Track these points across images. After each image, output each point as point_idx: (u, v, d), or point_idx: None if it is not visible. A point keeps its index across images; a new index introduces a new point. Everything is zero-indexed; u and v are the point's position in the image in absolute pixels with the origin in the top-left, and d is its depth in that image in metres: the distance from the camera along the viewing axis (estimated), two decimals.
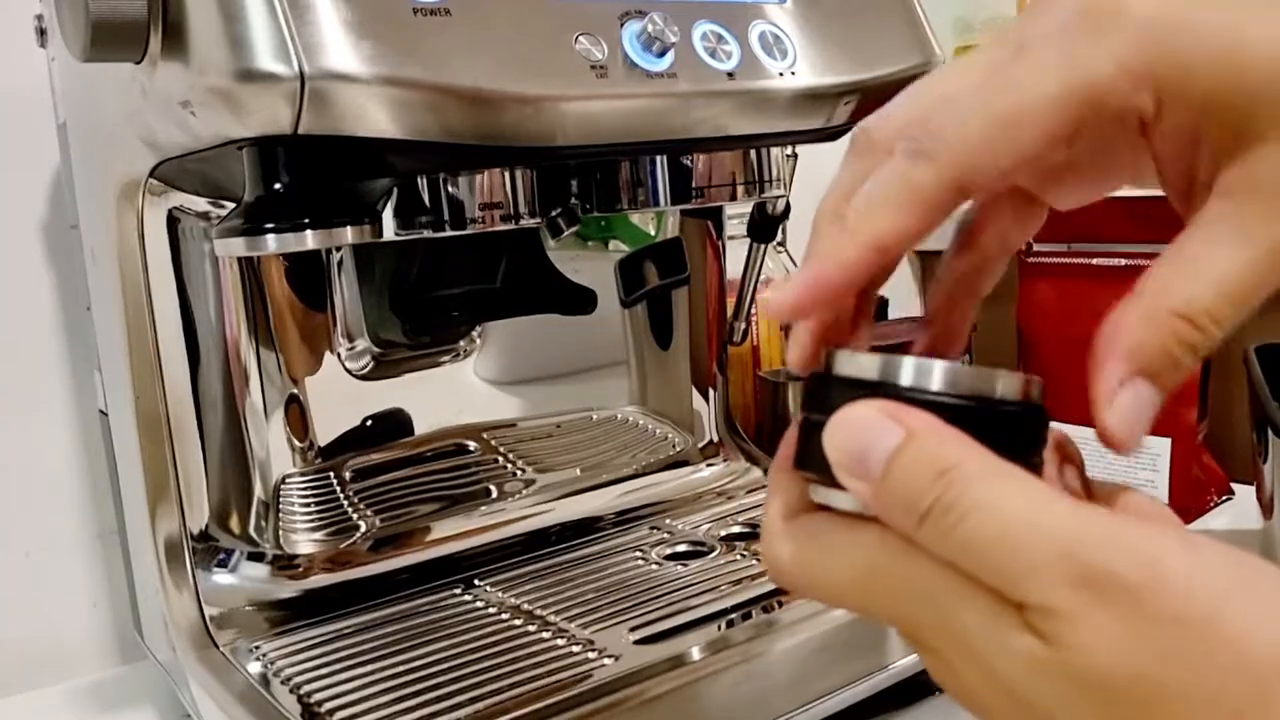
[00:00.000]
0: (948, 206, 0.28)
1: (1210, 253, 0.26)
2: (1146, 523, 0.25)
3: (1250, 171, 0.26)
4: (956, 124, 0.27)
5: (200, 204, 0.56)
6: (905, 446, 0.26)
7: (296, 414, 0.61)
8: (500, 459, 0.67)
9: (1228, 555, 0.25)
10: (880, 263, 0.28)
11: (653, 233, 0.72)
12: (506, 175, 0.50)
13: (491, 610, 0.58)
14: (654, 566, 0.62)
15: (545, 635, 0.54)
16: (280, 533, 0.61)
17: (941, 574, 0.26)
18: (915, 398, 0.27)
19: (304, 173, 0.44)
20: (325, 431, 0.62)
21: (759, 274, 0.76)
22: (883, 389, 0.27)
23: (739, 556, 0.62)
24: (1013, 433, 0.27)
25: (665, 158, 0.53)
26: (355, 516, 0.63)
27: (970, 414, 0.26)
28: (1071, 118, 0.26)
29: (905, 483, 0.26)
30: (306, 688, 0.51)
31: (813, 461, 0.28)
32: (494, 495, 0.67)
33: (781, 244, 0.92)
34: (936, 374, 0.27)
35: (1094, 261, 0.87)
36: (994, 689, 0.25)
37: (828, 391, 0.28)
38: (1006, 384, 0.27)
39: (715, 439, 0.77)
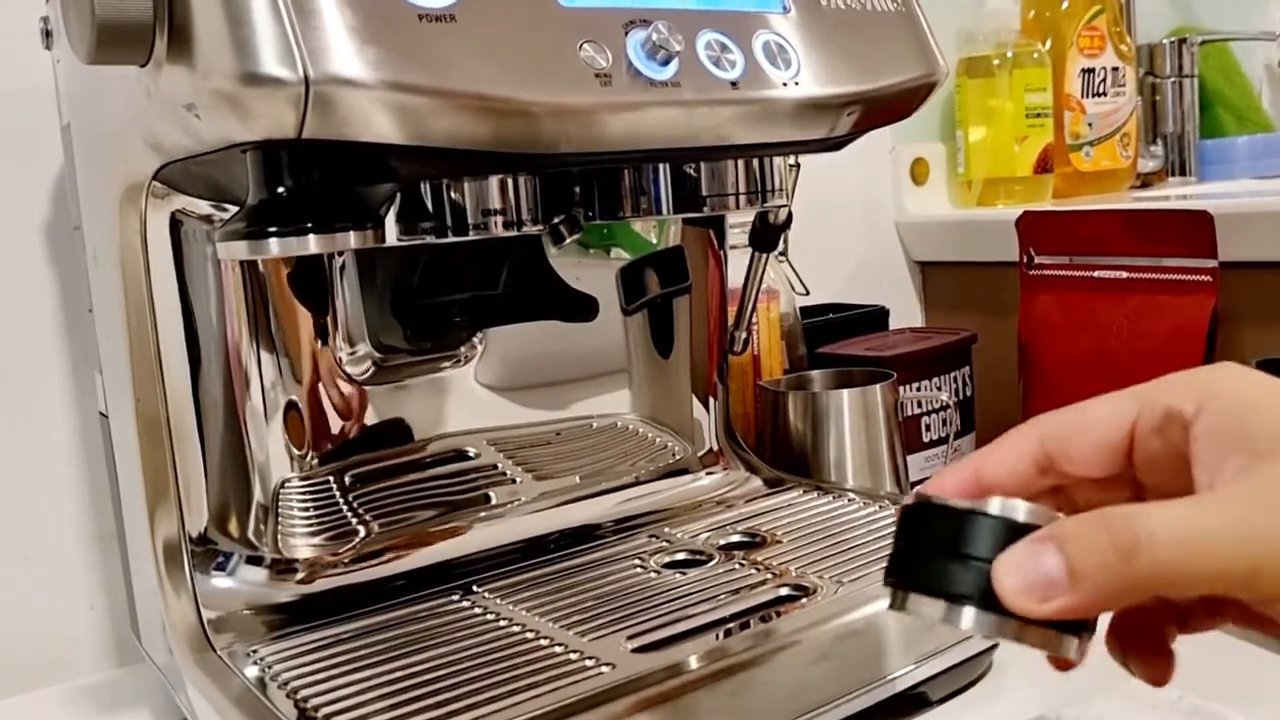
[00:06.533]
0: (1033, 460, 0.36)
1: (1189, 502, 0.32)
2: None
3: (1255, 474, 0.31)
4: (1058, 412, 0.36)
5: (203, 207, 0.56)
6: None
7: (296, 418, 0.61)
8: (500, 465, 0.67)
9: None
10: (976, 484, 0.36)
11: (654, 241, 0.72)
12: (509, 182, 0.50)
13: (489, 617, 0.58)
14: (652, 575, 0.62)
15: (543, 643, 0.54)
16: (279, 537, 0.61)
17: None
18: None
19: (307, 177, 0.44)
20: (325, 436, 0.62)
21: (760, 283, 0.76)
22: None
23: (738, 565, 0.62)
24: None
25: (668, 166, 0.53)
26: (354, 521, 0.63)
27: None
28: (1133, 407, 0.35)
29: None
30: (303, 692, 0.51)
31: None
32: (493, 501, 0.67)
33: (783, 254, 0.92)
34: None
35: (1095, 274, 0.87)
36: None
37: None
38: None
39: (715, 448, 0.77)
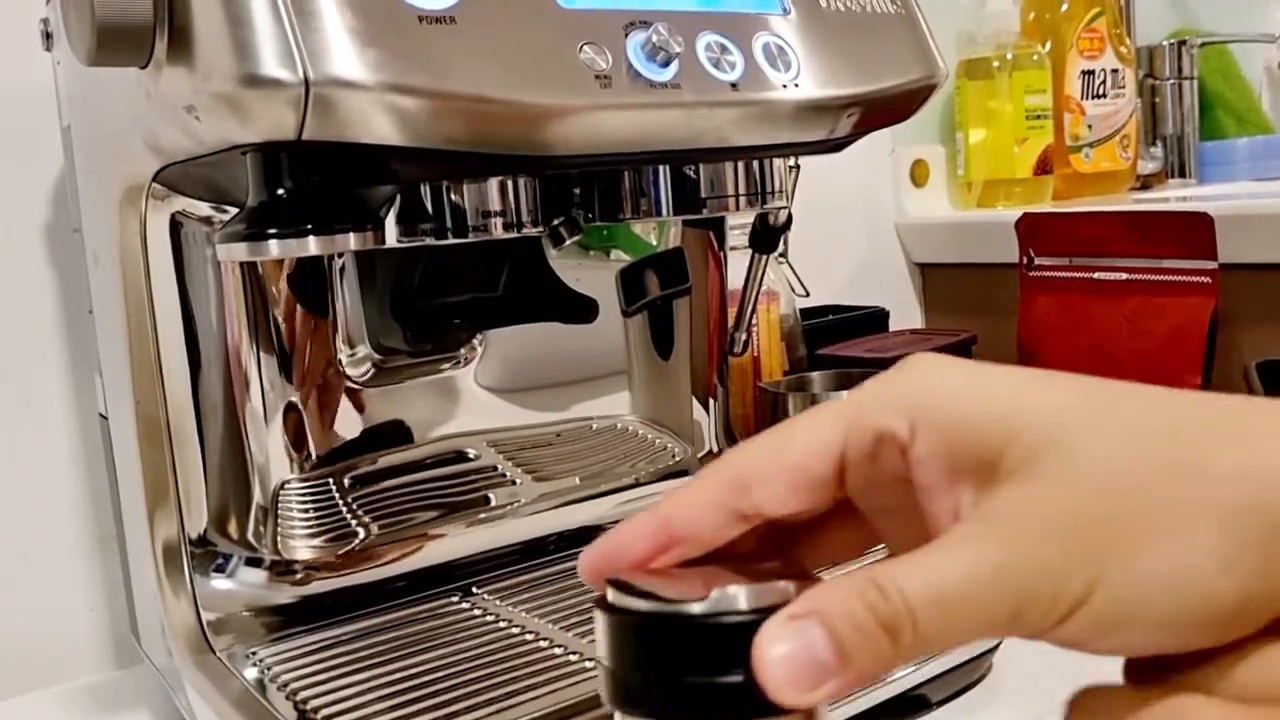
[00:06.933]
0: (729, 501, 0.31)
1: (932, 553, 0.28)
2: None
3: (990, 503, 0.28)
4: (754, 441, 0.32)
5: (203, 209, 0.56)
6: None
7: (296, 420, 0.61)
8: (500, 467, 0.67)
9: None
10: (668, 539, 0.31)
11: (654, 242, 0.72)
12: (509, 183, 0.50)
13: (489, 618, 0.58)
14: None
15: (542, 644, 0.54)
16: (279, 538, 0.61)
17: None
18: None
19: (307, 178, 0.44)
20: (325, 438, 0.62)
21: (760, 285, 0.76)
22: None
23: None
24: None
25: (668, 168, 0.53)
26: (354, 523, 0.63)
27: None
28: (837, 436, 0.31)
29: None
30: (303, 694, 0.51)
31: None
32: (493, 503, 0.67)
33: (783, 255, 0.92)
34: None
35: (1095, 276, 0.87)
36: None
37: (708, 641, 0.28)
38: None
39: (715, 449, 0.77)
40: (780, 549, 0.34)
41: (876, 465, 0.31)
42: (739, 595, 0.27)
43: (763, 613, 0.27)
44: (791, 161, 0.60)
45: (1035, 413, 0.29)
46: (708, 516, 0.31)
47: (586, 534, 0.69)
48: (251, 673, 0.54)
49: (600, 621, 0.29)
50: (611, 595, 0.29)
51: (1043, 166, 1.16)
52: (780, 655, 0.26)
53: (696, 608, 0.27)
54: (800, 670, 0.26)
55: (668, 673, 0.28)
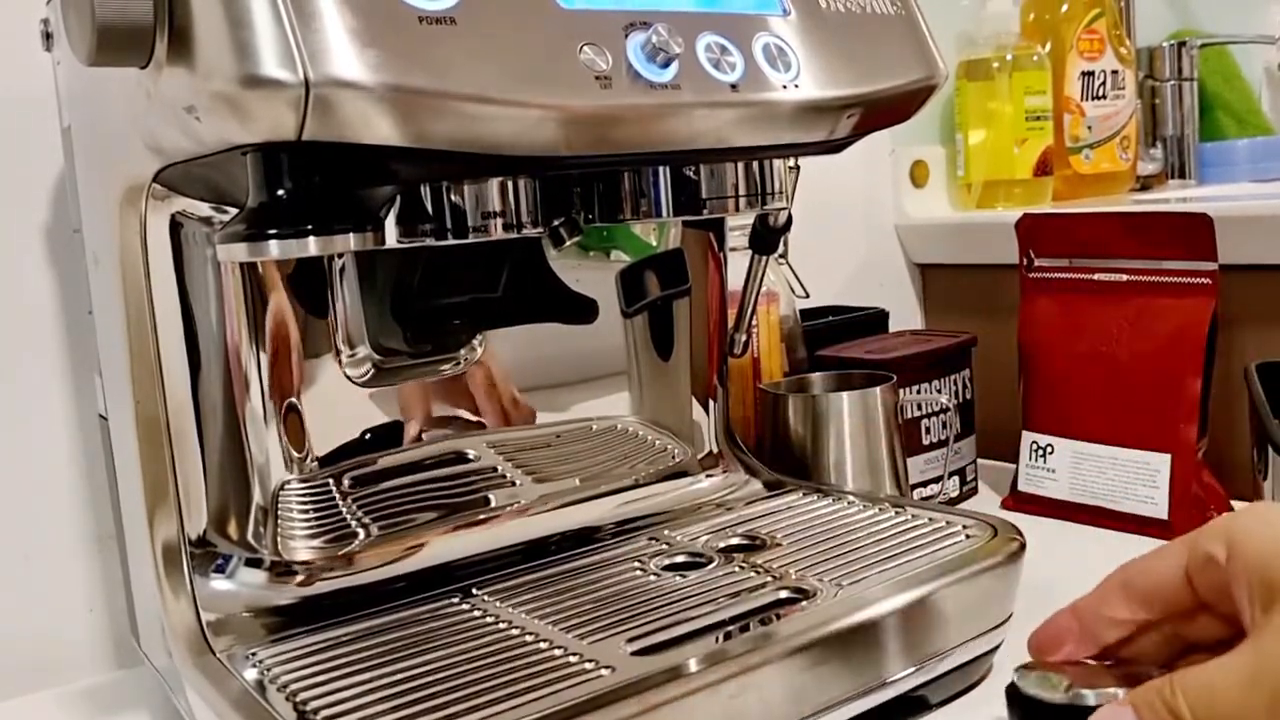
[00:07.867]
0: (1114, 610, 0.46)
1: (1214, 661, 0.39)
2: None
3: (1265, 621, 0.38)
4: (1134, 561, 0.46)
5: (203, 209, 0.56)
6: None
7: (296, 421, 0.61)
8: (499, 468, 0.67)
9: None
10: (1079, 627, 0.47)
11: (654, 243, 0.72)
12: (509, 184, 0.50)
13: (489, 620, 0.58)
14: (652, 577, 0.62)
15: (542, 645, 0.54)
16: (278, 539, 0.61)
17: None
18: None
19: (307, 179, 0.44)
20: (325, 438, 0.62)
21: (760, 286, 0.76)
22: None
23: (737, 568, 0.62)
24: None
25: (668, 168, 0.53)
26: (354, 524, 0.63)
27: None
28: (1181, 557, 0.43)
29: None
30: (302, 695, 0.51)
31: None
32: (493, 504, 0.67)
33: (783, 256, 0.92)
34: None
35: (1095, 277, 0.87)
36: None
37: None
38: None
39: (715, 450, 0.77)
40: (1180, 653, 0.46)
41: (1206, 579, 0.42)
42: (1089, 695, 0.43)
43: (1096, 707, 0.43)
44: (791, 162, 0.60)
45: None
46: (1097, 620, 0.46)
47: (586, 535, 0.69)
48: (251, 674, 0.54)
49: (1010, 696, 0.46)
50: (1017, 678, 0.46)
51: (1042, 167, 1.16)
52: None
53: (1058, 698, 0.44)
54: None
55: None
